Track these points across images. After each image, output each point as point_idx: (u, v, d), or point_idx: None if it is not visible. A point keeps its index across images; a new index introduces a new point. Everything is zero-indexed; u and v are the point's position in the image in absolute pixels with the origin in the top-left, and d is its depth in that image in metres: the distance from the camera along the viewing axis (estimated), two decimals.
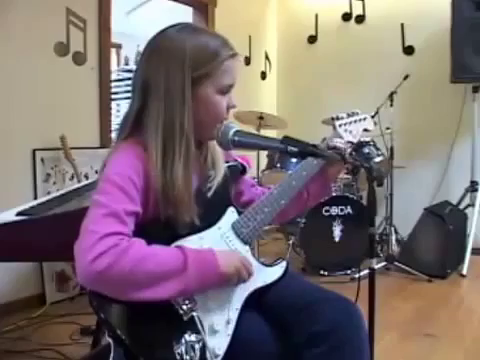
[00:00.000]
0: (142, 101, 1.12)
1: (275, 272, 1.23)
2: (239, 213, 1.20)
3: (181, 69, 1.09)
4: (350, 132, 1.43)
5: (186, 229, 1.09)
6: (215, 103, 1.14)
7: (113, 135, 3.25)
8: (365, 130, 1.47)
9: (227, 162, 1.26)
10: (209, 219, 1.15)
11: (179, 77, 1.09)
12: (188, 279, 0.99)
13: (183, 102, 1.09)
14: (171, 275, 0.98)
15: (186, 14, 4.06)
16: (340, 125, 1.42)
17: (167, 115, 1.09)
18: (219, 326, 1.07)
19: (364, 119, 1.47)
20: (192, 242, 1.09)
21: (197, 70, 1.10)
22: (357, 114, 1.47)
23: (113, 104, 4.03)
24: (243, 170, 1.32)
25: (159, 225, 1.07)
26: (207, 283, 1.03)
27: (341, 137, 1.40)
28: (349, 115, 1.45)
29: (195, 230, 1.11)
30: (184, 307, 1.03)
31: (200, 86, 1.11)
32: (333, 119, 1.43)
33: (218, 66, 1.11)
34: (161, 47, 1.13)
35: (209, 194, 1.16)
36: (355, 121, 1.45)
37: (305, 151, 1.16)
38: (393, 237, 3.76)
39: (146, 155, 1.07)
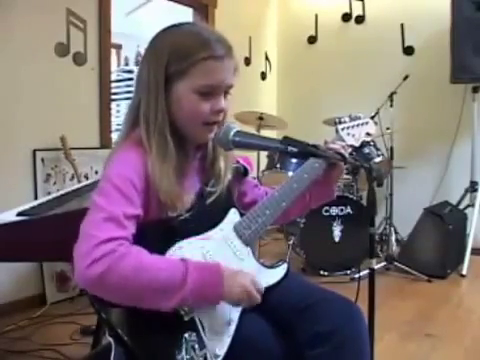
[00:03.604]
0: (138, 98, 1.15)
1: (276, 274, 1.23)
2: (241, 215, 1.20)
3: (158, 65, 1.10)
4: (353, 136, 1.43)
5: (187, 231, 1.09)
6: (192, 104, 1.11)
7: (113, 135, 3.25)
8: (367, 134, 1.47)
9: None
10: (211, 221, 1.15)
11: (155, 73, 1.11)
12: (185, 295, 0.97)
13: (157, 99, 1.10)
14: (168, 288, 0.96)
15: (186, 15, 4.06)
16: (342, 128, 1.42)
17: (146, 111, 1.11)
18: (220, 327, 1.07)
19: (366, 123, 1.47)
20: (194, 243, 1.09)
21: (171, 67, 1.10)
22: (359, 118, 1.46)
23: (113, 104, 4.03)
24: (245, 172, 1.32)
25: (160, 226, 1.07)
26: (206, 301, 1.03)
27: (343, 140, 1.40)
28: (352, 119, 1.45)
29: (197, 231, 1.11)
30: (185, 307, 1.03)
31: (174, 85, 1.11)
32: (336, 123, 1.43)
33: (193, 65, 1.09)
34: (152, 45, 1.15)
35: (212, 197, 1.16)
36: (357, 125, 1.45)
37: (305, 151, 1.16)
38: (393, 237, 3.77)
39: (146, 153, 1.08)
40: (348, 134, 1.42)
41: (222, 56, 1.11)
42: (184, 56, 1.09)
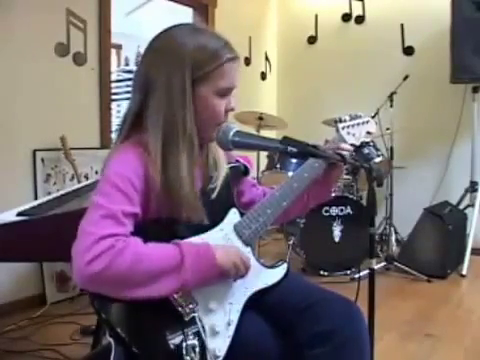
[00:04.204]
0: (142, 101, 1.13)
1: (276, 274, 1.23)
2: (241, 214, 1.21)
3: (181, 70, 1.09)
4: (353, 135, 1.43)
5: (188, 230, 1.09)
6: (213, 105, 1.13)
7: (113, 136, 3.25)
8: (368, 133, 1.47)
9: (229, 163, 1.26)
10: (212, 220, 1.15)
11: (179, 77, 1.09)
12: (185, 275, 0.99)
13: (184, 102, 1.09)
14: (168, 273, 0.98)
15: (186, 15, 4.06)
16: (343, 128, 1.42)
17: (168, 115, 1.09)
18: (220, 327, 1.07)
19: (367, 122, 1.47)
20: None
21: (196, 71, 1.10)
22: (360, 117, 1.46)
23: (113, 105, 4.03)
24: (245, 171, 1.32)
25: (161, 226, 1.07)
26: (205, 277, 1.03)
27: (344, 139, 1.40)
28: (352, 118, 1.44)
29: (197, 231, 1.11)
30: (185, 308, 1.04)
31: (199, 87, 1.11)
32: (336, 122, 1.43)
33: (217, 69, 1.11)
34: (162, 47, 1.13)
35: (212, 195, 1.17)
36: (358, 124, 1.44)
37: (304, 151, 1.16)
38: (393, 237, 3.77)
39: (146, 156, 1.07)
40: (348, 133, 1.42)
41: (236, 57, 1.15)
42: (210, 60, 1.10)
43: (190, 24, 1.23)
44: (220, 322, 1.08)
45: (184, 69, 1.09)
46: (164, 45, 1.13)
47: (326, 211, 3.30)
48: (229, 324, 1.09)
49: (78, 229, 0.98)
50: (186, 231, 1.09)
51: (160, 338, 1.01)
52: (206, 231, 1.13)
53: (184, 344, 1.01)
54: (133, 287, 0.96)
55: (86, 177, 2.97)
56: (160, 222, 1.08)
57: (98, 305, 1.00)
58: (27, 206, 1.87)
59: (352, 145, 1.41)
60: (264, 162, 3.74)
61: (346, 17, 4.55)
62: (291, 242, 3.43)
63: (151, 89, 1.11)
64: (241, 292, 1.14)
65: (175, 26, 1.16)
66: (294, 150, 1.14)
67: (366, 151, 3.76)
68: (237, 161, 1.31)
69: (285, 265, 1.25)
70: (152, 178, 1.05)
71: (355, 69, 4.47)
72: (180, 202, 1.07)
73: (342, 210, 3.32)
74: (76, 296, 2.85)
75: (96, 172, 3.02)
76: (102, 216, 0.98)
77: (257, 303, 1.17)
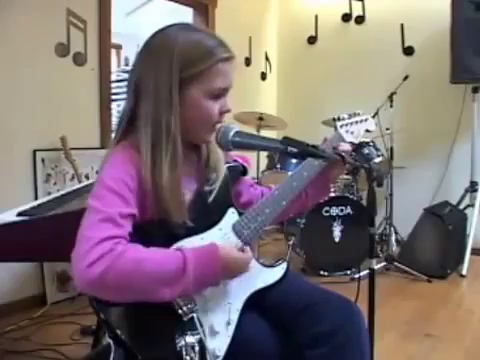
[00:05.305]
0: (135, 101, 1.12)
1: (276, 273, 1.23)
2: (239, 214, 1.20)
3: (169, 69, 1.07)
4: (351, 133, 1.42)
5: (186, 230, 1.09)
6: (205, 107, 1.11)
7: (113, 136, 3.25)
8: (367, 131, 1.47)
9: (227, 163, 1.26)
10: (210, 220, 1.15)
11: (167, 77, 1.07)
12: (188, 280, 0.98)
13: (170, 103, 1.08)
14: (169, 278, 0.97)
15: (186, 15, 4.06)
16: (341, 126, 1.42)
17: (155, 116, 1.08)
18: (219, 327, 1.07)
19: (366, 120, 1.47)
20: (193, 243, 1.08)
21: (185, 70, 1.08)
22: (359, 115, 1.46)
23: (113, 105, 4.02)
24: (244, 171, 1.32)
25: (159, 226, 1.07)
26: (208, 283, 1.04)
27: (342, 138, 1.40)
28: (351, 116, 1.44)
29: (196, 231, 1.11)
30: (184, 308, 1.04)
31: (189, 88, 1.09)
32: (334, 120, 1.42)
33: (209, 68, 1.09)
34: (153, 46, 1.12)
35: (210, 197, 1.16)
36: (357, 122, 1.44)
37: (305, 151, 1.16)
38: (393, 237, 3.77)
39: (138, 156, 1.06)
40: (347, 131, 1.42)
41: (230, 58, 1.13)
42: (200, 59, 1.08)
43: (185, 23, 1.20)
44: (219, 322, 1.08)
45: (171, 69, 1.07)
46: (156, 44, 1.12)
47: (326, 211, 3.30)
48: (229, 324, 1.09)
49: (77, 235, 0.97)
50: (184, 231, 1.08)
51: (159, 339, 1.01)
52: (204, 231, 1.12)
53: (184, 344, 1.01)
54: (134, 291, 0.96)
55: (86, 177, 2.97)
56: (157, 222, 1.07)
57: (97, 306, 1.00)
58: (27, 206, 1.87)
59: (351, 143, 1.40)
60: (264, 162, 3.74)
61: (346, 17, 4.55)
62: (291, 242, 3.43)
63: (142, 89, 1.11)
64: (240, 292, 1.14)
65: (169, 25, 1.15)
66: (294, 150, 1.14)
67: (366, 151, 3.78)
68: (235, 161, 1.30)
69: (284, 264, 1.25)
70: (144, 178, 1.05)
71: (355, 69, 4.47)
72: (164, 204, 1.05)
73: (342, 210, 3.32)
74: (76, 296, 2.85)
75: (96, 172, 3.02)
76: (100, 220, 0.97)
77: (257, 303, 1.17)
